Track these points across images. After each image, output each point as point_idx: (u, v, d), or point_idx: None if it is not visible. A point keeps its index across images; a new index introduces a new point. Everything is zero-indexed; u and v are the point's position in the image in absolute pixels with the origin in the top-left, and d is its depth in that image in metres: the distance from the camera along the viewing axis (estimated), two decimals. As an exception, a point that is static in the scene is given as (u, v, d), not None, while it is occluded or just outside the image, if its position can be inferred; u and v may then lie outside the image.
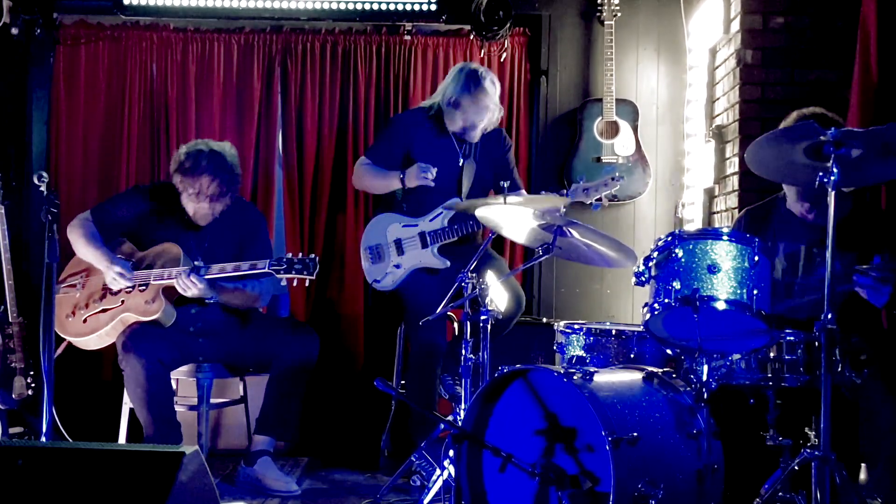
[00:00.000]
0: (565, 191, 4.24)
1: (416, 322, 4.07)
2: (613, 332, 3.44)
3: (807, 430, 2.96)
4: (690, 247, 2.95)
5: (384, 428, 4.54)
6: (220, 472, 4.23)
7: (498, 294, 3.98)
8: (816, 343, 2.83)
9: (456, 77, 4.38)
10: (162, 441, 3.86)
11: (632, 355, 3.38)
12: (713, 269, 2.90)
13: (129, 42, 5.20)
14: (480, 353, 3.50)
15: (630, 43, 5.22)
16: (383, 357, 4.91)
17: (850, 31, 4.04)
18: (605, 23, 5.02)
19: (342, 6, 5.06)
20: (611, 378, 3.07)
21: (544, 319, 4.83)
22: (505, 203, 3.73)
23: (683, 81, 5.21)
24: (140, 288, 4.01)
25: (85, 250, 4.11)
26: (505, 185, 3.81)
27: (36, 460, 2.37)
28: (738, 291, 2.89)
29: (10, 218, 4.33)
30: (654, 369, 3.15)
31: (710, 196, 4.86)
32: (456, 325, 4.32)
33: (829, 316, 2.74)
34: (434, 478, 3.50)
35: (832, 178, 2.77)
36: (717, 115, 4.82)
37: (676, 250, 2.95)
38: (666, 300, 2.94)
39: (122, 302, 4.03)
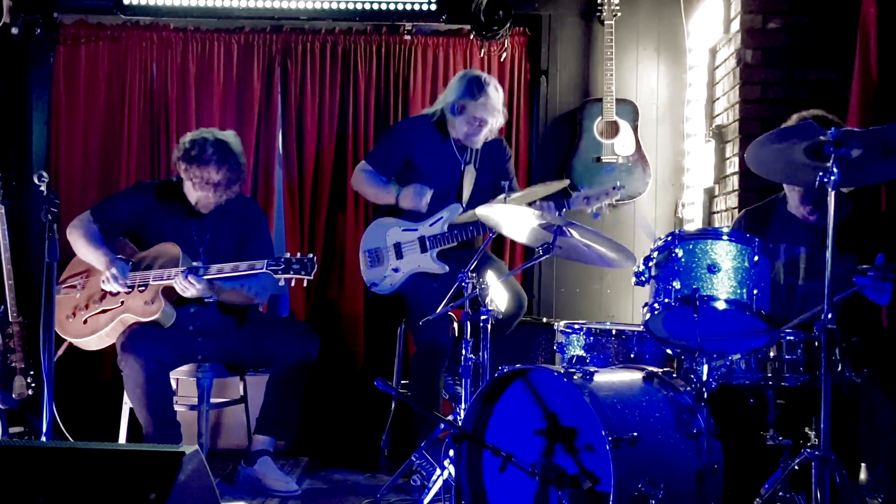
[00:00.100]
0: (566, 201, 4.25)
1: (418, 322, 4.07)
2: (613, 331, 3.44)
3: (807, 429, 2.97)
4: (690, 247, 2.95)
5: (384, 428, 4.54)
6: (220, 472, 4.23)
7: (498, 294, 3.98)
8: (816, 343, 2.83)
9: (459, 83, 4.39)
10: (162, 441, 3.85)
11: (632, 355, 3.38)
12: (713, 268, 2.90)
13: (129, 42, 5.20)
14: (480, 353, 3.50)
15: (630, 43, 5.22)
16: (383, 357, 4.92)
17: (850, 31, 4.04)
18: (605, 22, 5.03)
19: (342, 6, 5.06)
20: (611, 378, 3.07)
21: (544, 319, 4.83)
22: (505, 202, 3.73)
23: (683, 81, 5.22)
24: (139, 288, 4.01)
25: (85, 251, 4.11)
26: (505, 185, 3.81)
27: (36, 460, 2.37)
28: (738, 291, 2.89)
29: (10, 218, 4.33)
30: (654, 369, 3.16)
31: (710, 196, 4.86)
32: (456, 325, 4.32)
33: (829, 316, 2.74)
34: (434, 477, 3.50)
35: (832, 178, 2.78)
36: (717, 115, 4.82)
37: (676, 250, 2.95)
38: (666, 300, 2.94)
39: (122, 303, 4.03)
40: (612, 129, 5.03)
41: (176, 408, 4.04)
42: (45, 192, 3.50)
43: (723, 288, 2.90)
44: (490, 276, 3.69)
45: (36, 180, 3.63)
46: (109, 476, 2.34)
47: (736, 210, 4.37)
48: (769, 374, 3.02)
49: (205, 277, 3.93)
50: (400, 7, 5.04)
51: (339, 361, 5.13)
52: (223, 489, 3.98)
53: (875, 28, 3.76)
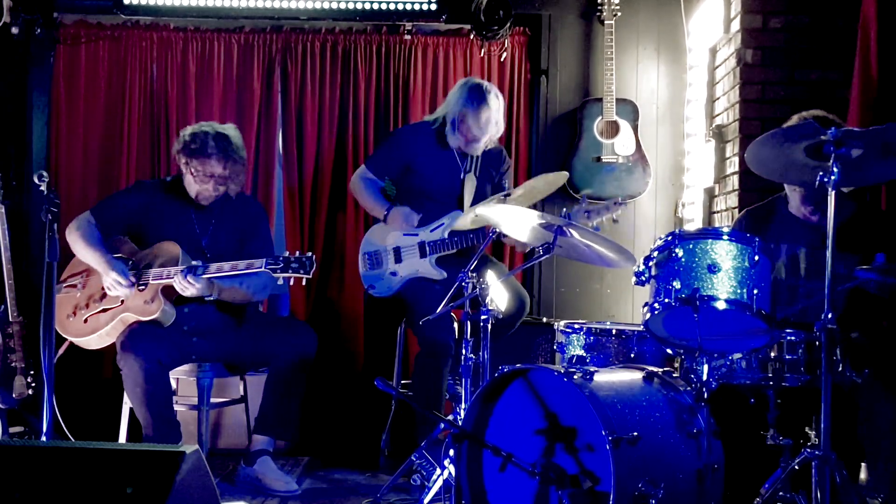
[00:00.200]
0: (566, 211, 4.25)
1: (419, 322, 4.07)
2: (613, 331, 3.44)
3: (807, 429, 2.97)
4: (690, 246, 2.95)
5: (384, 428, 4.54)
6: (220, 472, 4.23)
7: (498, 294, 3.98)
8: (817, 343, 2.83)
9: (460, 91, 4.40)
10: (161, 440, 3.85)
11: (632, 355, 3.38)
12: (713, 268, 2.90)
13: (129, 42, 5.20)
14: (480, 353, 3.50)
15: (630, 42, 5.22)
16: (383, 357, 4.91)
17: (850, 31, 4.04)
18: (605, 22, 5.03)
19: (342, 6, 5.06)
20: (611, 378, 3.07)
21: (544, 319, 4.83)
22: (505, 202, 3.74)
23: (683, 81, 5.22)
24: (139, 288, 4.01)
25: (84, 252, 4.10)
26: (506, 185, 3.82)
27: (36, 460, 2.37)
28: (739, 291, 2.89)
29: (11, 218, 4.33)
30: (655, 369, 3.15)
31: (710, 196, 4.86)
32: (456, 325, 4.32)
33: (829, 316, 2.74)
34: (434, 477, 3.50)
35: (832, 177, 2.78)
36: (717, 115, 4.82)
37: (676, 250, 2.95)
38: (666, 300, 2.94)
39: (122, 302, 4.03)
40: (613, 129, 5.03)
41: (176, 407, 4.04)
42: (45, 192, 3.50)
43: (723, 288, 2.90)
44: (490, 276, 3.68)
45: (36, 180, 3.63)
46: (109, 476, 2.34)
47: (736, 210, 4.37)
48: (769, 374, 3.02)
49: (204, 276, 3.93)
50: (400, 7, 5.04)
51: (339, 361, 5.13)
52: (223, 489, 3.98)
53: (875, 28, 3.75)
